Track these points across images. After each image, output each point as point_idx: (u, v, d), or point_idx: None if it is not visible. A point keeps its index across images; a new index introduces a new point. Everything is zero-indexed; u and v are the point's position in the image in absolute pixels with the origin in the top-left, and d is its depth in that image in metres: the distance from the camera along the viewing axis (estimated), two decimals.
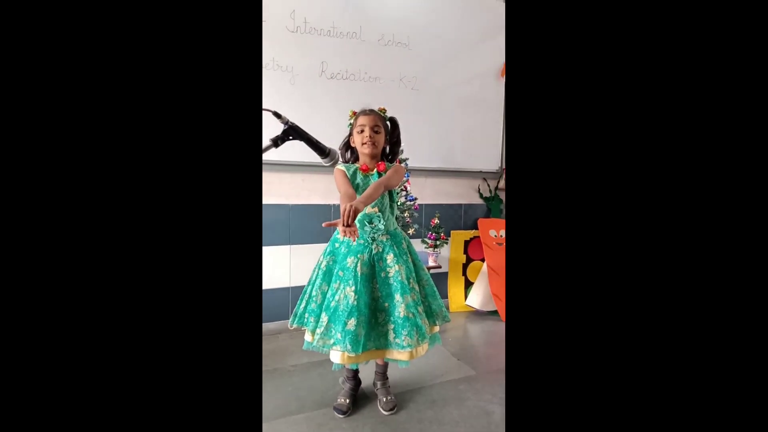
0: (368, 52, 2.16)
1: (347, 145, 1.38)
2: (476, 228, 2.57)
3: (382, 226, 1.30)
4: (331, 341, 1.23)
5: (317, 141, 0.93)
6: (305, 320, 1.32)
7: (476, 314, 2.46)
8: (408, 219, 2.15)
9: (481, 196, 2.66)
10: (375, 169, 1.33)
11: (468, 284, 2.54)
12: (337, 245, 1.35)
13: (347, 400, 1.42)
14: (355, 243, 1.29)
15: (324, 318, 1.25)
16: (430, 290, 1.38)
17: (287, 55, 1.99)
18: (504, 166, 2.66)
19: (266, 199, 2.05)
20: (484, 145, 2.60)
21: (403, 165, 1.63)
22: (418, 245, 2.29)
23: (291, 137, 0.87)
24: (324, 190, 2.17)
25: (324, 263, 1.34)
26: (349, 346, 1.19)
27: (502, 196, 2.69)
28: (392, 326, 1.26)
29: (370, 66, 2.18)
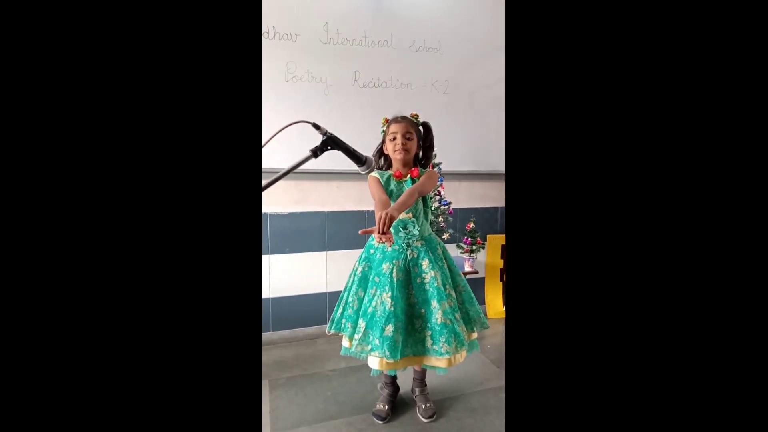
0: (399, 59, 2.18)
1: (380, 152, 1.40)
2: None
3: (416, 232, 1.30)
4: (369, 347, 1.24)
5: (354, 150, 0.94)
6: (342, 326, 1.34)
7: None
8: (442, 224, 2.13)
9: None
10: (408, 175, 1.34)
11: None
12: (372, 251, 1.36)
13: (386, 406, 1.42)
14: (390, 249, 1.30)
15: (362, 324, 1.26)
16: (467, 296, 1.36)
17: (321, 66, 2.04)
18: None
19: (303, 207, 2.11)
20: None
21: (435, 170, 1.62)
22: (453, 250, 2.26)
23: (329, 147, 0.90)
24: (358, 196, 2.20)
25: (359, 269, 1.35)
26: (387, 352, 1.19)
27: None
28: (430, 333, 1.25)
29: (402, 72, 2.19)
